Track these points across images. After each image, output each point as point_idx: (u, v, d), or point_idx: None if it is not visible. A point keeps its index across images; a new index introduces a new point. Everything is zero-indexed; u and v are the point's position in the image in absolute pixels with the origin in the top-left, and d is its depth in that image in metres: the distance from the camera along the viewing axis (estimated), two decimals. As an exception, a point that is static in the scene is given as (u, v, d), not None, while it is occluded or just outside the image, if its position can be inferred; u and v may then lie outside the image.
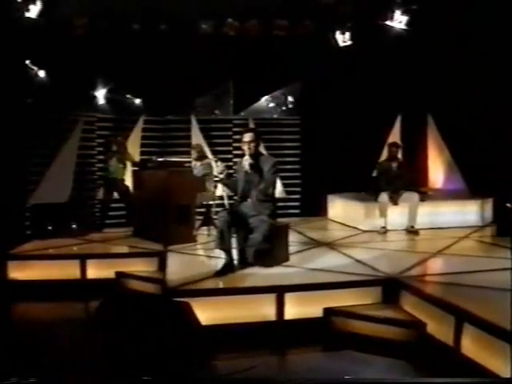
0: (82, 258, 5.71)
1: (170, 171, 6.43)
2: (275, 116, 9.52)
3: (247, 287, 4.36)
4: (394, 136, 9.07)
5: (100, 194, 8.09)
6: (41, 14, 7.45)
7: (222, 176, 5.06)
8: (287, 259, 5.22)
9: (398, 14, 7.56)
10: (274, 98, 9.51)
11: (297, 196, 9.50)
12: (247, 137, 4.93)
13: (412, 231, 6.93)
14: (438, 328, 3.79)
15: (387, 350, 3.86)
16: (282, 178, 9.39)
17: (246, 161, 4.89)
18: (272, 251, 4.97)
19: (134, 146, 8.56)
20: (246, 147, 4.91)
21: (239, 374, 3.54)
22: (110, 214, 7.86)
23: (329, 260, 5.32)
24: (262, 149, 8.58)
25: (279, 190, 9.38)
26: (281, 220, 8.44)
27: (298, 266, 5.06)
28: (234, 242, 5.08)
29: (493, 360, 3.23)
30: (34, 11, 7.41)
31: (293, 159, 9.45)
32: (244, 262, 4.90)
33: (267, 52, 8.54)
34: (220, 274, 4.65)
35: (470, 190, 8.17)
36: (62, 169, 7.71)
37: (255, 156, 4.94)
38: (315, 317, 4.26)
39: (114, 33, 7.96)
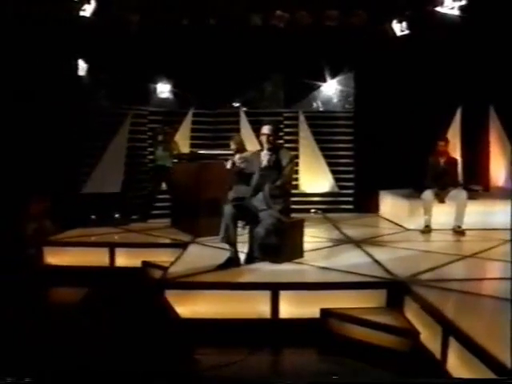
0: (111, 247, 5.94)
1: (200, 164, 6.49)
2: (327, 109, 9.25)
3: (241, 282, 4.27)
4: (454, 130, 8.48)
5: (149, 185, 8.36)
6: (95, 12, 7.88)
7: (238, 162, 5.02)
8: (301, 256, 5.07)
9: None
10: (327, 91, 9.24)
11: (350, 191, 9.21)
12: (266, 129, 4.85)
13: (458, 231, 6.46)
14: (429, 339, 3.50)
15: (378, 359, 3.63)
16: (335, 173, 9.18)
17: (265, 155, 4.82)
18: (282, 247, 4.85)
19: (183, 139, 8.76)
20: (264, 139, 4.85)
21: (216, 370, 3.52)
22: (158, 205, 8.08)
23: (346, 259, 5.09)
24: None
25: (331, 185, 9.19)
26: (332, 215, 8.41)
27: (310, 263, 4.89)
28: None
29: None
30: (88, 10, 7.85)
31: (346, 153, 9.17)
32: (251, 257, 4.85)
33: (318, 43, 8.34)
34: (222, 267, 4.62)
35: (534, 190, 7.44)
36: (112, 160, 8.09)
37: (274, 150, 4.86)
38: (312, 317, 4.10)
39: (165, 28, 8.17)
